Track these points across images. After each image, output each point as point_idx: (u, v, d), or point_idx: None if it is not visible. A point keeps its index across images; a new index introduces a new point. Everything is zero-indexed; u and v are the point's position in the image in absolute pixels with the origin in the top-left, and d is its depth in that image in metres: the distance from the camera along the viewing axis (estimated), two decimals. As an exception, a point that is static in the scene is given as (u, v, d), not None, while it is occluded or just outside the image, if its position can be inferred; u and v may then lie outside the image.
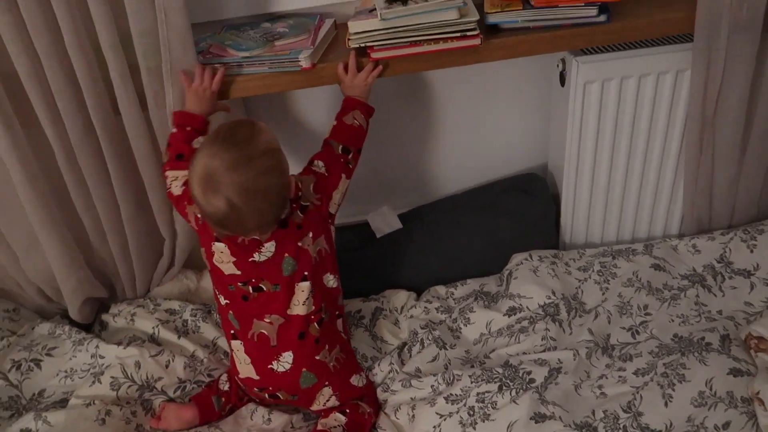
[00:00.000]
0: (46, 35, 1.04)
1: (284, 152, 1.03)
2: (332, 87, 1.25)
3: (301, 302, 1.10)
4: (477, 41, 1.14)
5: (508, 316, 1.29)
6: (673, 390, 1.09)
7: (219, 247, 1.08)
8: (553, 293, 1.29)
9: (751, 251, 1.33)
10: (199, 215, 1.08)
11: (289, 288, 1.09)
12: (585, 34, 1.17)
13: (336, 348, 1.16)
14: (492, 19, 1.18)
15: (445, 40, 1.15)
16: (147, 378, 1.22)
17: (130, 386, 1.20)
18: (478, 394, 1.14)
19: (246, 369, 1.15)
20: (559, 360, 1.18)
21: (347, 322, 1.26)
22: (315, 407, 1.17)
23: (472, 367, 1.21)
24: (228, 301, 1.13)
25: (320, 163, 1.14)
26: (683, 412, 1.06)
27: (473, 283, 1.39)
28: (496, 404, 1.12)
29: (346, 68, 1.16)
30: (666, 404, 1.07)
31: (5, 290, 1.43)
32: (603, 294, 1.31)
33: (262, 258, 1.07)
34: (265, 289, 1.10)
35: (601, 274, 1.34)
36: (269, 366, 1.12)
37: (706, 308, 1.25)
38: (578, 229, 1.47)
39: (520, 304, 1.29)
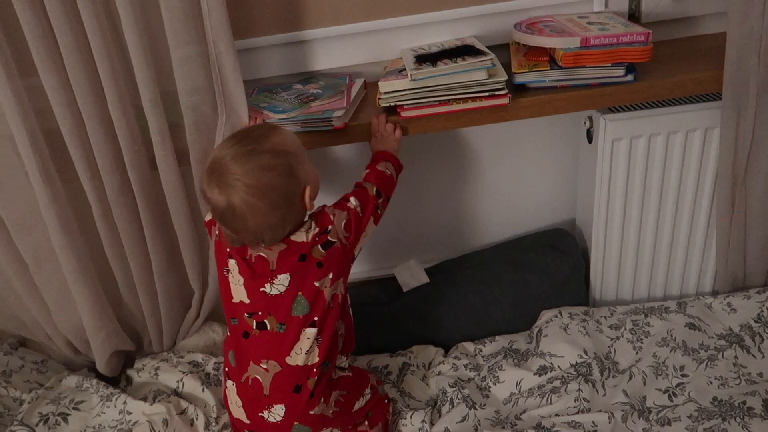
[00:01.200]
0: (89, 94, 1.08)
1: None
2: (361, 145, 1.28)
3: (303, 351, 1.03)
4: (505, 100, 1.16)
5: (539, 375, 1.26)
6: (716, 458, 1.05)
7: (231, 264, 1.05)
8: (585, 352, 1.27)
9: (790, 310, 1.29)
10: (217, 233, 1.08)
11: (295, 332, 1.03)
12: (612, 94, 1.19)
13: (335, 393, 1.09)
14: (519, 78, 1.20)
15: (473, 99, 1.17)
16: (173, 436, 1.21)
17: (157, 443, 1.19)
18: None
19: (237, 411, 1.10)
20: (593, 423, 1.14)
21: (352, 326, 1.17)
22: None
23: (503, 428, 1.17)
24: (230, 336, 1.10)
25: (355, 201, 1.08)
26: (727, 482, 1.01)
27: (502, 340, 1.37)
28: (529, 470, 1.08)
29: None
30: (708, 473, 1.03)
31: (34, 342, 1.44)
32: (637, 353, 1.27)
33: (274, 291, 1.02)
34: (269, 327, 1.04)
35: (633, 332, 1.31)
36: (260, 414, 1.06)
37: (745, 370, 1.21)
38: (608, 286, 1.44)
39: (551, 363, 1.27)
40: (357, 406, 1.13)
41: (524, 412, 1.21)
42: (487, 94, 1.16)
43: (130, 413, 1.24)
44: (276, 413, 1.05)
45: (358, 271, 1.56)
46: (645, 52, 1.14)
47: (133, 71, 1.09)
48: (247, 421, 1.09)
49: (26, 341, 1.45)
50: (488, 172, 1.49)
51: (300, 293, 1.02)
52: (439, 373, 1.31)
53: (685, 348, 1.26)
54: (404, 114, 1.18)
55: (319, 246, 1.02)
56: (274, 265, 1.01)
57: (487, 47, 1.19)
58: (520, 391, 1.25)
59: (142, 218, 1.21)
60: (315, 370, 1.05)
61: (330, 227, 1.03)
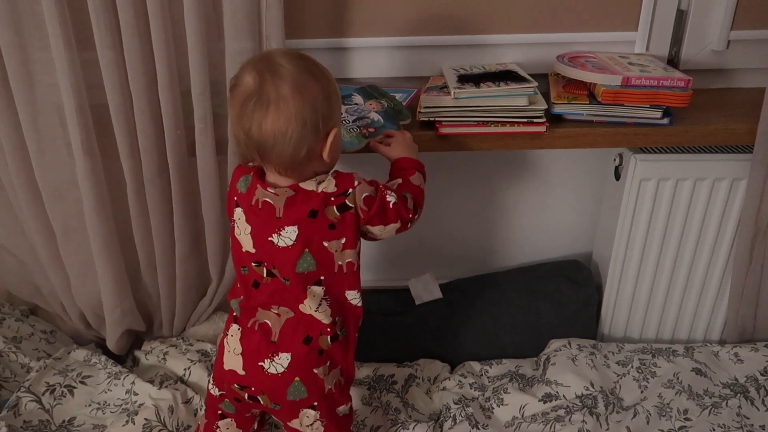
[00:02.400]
0: (141, 75, 1.10)
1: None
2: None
3: (313, 307, 0.98)
4: (542, 129, 1.18)
5: (544, 402, 1.27)
6: (714, 503, 1.05)
7: (237, 213, 1.00)
8: (592, 385, 1.28)
9: (796, 367, 1.31)
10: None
11: (300, 288, 0.97)
12: (647, 134, 1.21)
13: (337, 369, 1.03)
14: (557, 109, 1.22)
15: (511, 123, 1.19)
16: (178, 425, 1.21)
17: (161, 430, 1.19)
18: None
19: (233, 360, 1.01)
20: (592, 455, 1.16)
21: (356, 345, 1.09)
22: (294, 424, 1.03)
23: (503, 451, 1.19)
24: (239, 285, 1.04)
25: (393, 196, 0.99)
26: None
27: (509, 364, 1.38)
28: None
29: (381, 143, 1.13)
30: None
31: (44, 312, 1.45)
32: (642, 392, 1.28)
33: (281, 243, 0.95)
34: (277, 275, 0.99)
35: (640, 371, 1.32)
36: (260, 363, 0.99)
37: (748, 421, 1.22)
38: (618, 322, 1.46)
39: (557, 392, 1.28)
40: (341, 410, 1.06)
41: (527, 437, 1.22)
42: (525, 120, 1.18)
43: (137, 394, 1.25)
44: (279, 363, 0.98)
45: (371, 278, 1.58)
46: (684, 98, 1.16)
47: (184, 57, 1.11)
48: (242, 372, 1.00)
49: (37, 310, 1.46)
50: (511, 196, 1.51)
51: (307, 250, 0.96)
52: (444, 389, 1.32)
53: (690, 392, 1.27)
54: (442, 130, 1.20)
55: (334, 207, 0.94)
56: (280, 212, 0.95)
57: (527, 75, 1.22)
58: (523, 416, 1.26)
59: (173, 201, 1.22)
60: (329, 329, 0.99)
61: (350, 190, 0.95)
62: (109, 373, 1.29)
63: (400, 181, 1.05)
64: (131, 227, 1.25)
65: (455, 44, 1.33)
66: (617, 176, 1.36)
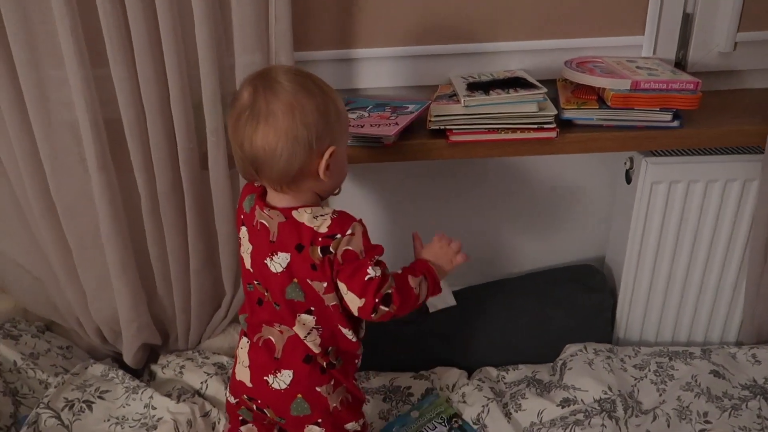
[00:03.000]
0: (154, 89, 1.11)
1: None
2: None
3: (302, 335, 0.97)
4: (553, 134, 1.19)
5: (562, 407, 1.26)
6: (738, 506, 1.04)
7: (243, 232, 1.01)
8: (610, 389, 1.27)
9: (815, 367, 1.30)
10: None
11: (290, 314, 0.96)
12: (657, 138, 1.21)
13: (342, 387, 1.02)
14: (567, 114, 1.23)
15: (522, 130, 1.20)
16: (199, 437, 1.21)
17: (180, 444, 1.20)
18: (529, 486, 1.11)
19: (242, 372, 1.03)
20: (612, 459, 1.15)
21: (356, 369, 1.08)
22: None
23: (522, 453, 1.19)
24: (246, 302, 1.06)
25: (376, 271, 0.91)
26: None
27: (525, 369, 1.38)
28: (549, 499, 1.08)
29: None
30: None
31: (60, 327, 1.46)
32: (660, 395, 1.28)
33: (272, 268, 0.95)
34: (268, 300, 1.00)
35: (658, 374, 1.32)
36: (265, 378, 1.00)
37: (769, 422, 1.22)
38: (633, 326, 1.45)
39: (575, 396, 1.27)
40: (350, 427, 1.05)
41: (545, 442, 1.21)
42: (536, 126, 1.18)
43: (155, 408, 1.25)
44: (282, 380, 0.98)
45: (385, 288, 1.58)
46: (694, 100, 1.17)
47: (197, 72, 1.12)
48: (249, 385, 1.02)
49: (53, 326, 1.47)
50: (523, 201, 1.51)
51: (296, 280, 0.95)
52: (463, 395, 1.31)
53: (709, 395, 1.26)
54: (453, 138, 1.21)
55: (318, 248, 0.91)
56: (274, 236, 0.94)
57: (535, 81, 1.22)
58: (541, 422, 1.25)
59: (187, 215, 1.23)
60: (320, 357, 0.98)
61: (338, 236, 0.91)
62: (126, 387, 1.29)
63: (400, 272, 0.99)
64: (146, 241, 1.26)
65: (462, 53, 1.34)
66: (628, 180, 1.36)
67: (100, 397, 1.27)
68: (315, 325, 0.97)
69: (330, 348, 1.00)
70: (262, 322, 1.01)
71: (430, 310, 1.47)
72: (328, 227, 0.91)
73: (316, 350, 0.98)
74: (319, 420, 1.01)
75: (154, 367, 1.40)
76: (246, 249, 1.00)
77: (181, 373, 1.36)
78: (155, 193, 1.21)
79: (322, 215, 0.93)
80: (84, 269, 1.27)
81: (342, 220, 0.93)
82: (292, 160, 0.89)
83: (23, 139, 1.14)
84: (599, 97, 1.24)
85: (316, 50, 1.33)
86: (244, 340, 1.05)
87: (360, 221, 0.94)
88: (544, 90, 1.18)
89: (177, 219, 1.23)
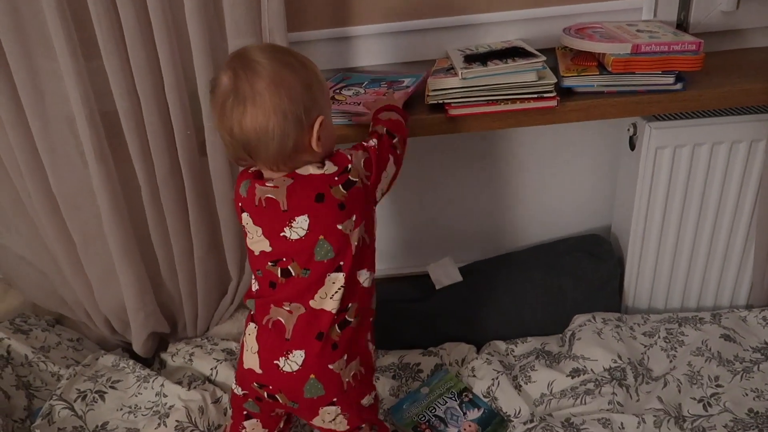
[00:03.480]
0: (148, 78, 1.10)
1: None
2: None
3: (329, 296, 0.96)
4: (553, 103, 1.17)
5: (572, 378, 1.26)
6: (753, 468, 1.05)
7: (245, 218, 0.99)
8: (619, 357, 1.27)
9: (827, 327, 1.29)
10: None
11: (319, 276, 0.96)
12: (660, 101, 1.19)
13: (356, 360, 1.00)
14: (567, 82, 1.21)
15: (522, 100, 1.17)
16: (209, 425, 1.22)
17: (192, 431, 1.20)
18: (540, 454, 1.11)
19: (251, 359, 1.00)
20: (622, 424, 1.15)
21: (374, 330, 1.08)
22: (316, 422, 1.03)
23: (532, 422, 1.19)
24: (257, 288, 1.03)
25: (372, 141, 1.01)
26: (764, 492, 1.01)
27: (534, 342, 1.38)
28: (560, 467, 1.09)
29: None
30: (745, 483, 1.03)
31: (69, 320, 1.46)
32: (671, 362, 1.28)
33: (294, 236, 0.94)
34: (293, 273, 0.96)
35: (667, 341, 1.31)
36: (275, 362, 0.98)
37: (781, 384, 1.21)
38: (642, 294, 1.45)
39: (585, 366, 1.27)
40: (365, 401, 1.04)
41: (556, 411, 1.21)
42: (536, 95, 1.16)
43: (166, 396, 1.26)
44: (294, 361, 0.97)
45: (390, 267, 1.58)
46: (696, 61, 1.14)
47: (190, 57, 1.11)
48: (259, 371, 0.99)
49: (62, 319, 1.48)
50: (526, 173, 1.50)
51: (322, 237, 0.94)
52: (473, 369, 1.31)
53: (720, 359, 1.26)
54: (452, 112, 1.19)
55: (339, 186, 0.93)
56: (284, 205, 0.94)
57: (534, 50, 1.20)
58: (551, 392, 1.25)
59: (188, 202, 1.23)
60: (336, 317, 0.97)
61: (349, 166, 0.95)
62: (137, 376, 1.30)
63: (372, 122, 1.07)
64: (149, 230, 1.26)
65: (458, 25, 1.32)
66: (632, 146, 1.35)
67: (112, 387, 1.28)
68: (343, 283, 0.96)
69: (350, 304, 0.99)
70: (271, 302, 0.99)
71: (437, 287, 1.47)
72: (335, 167, 0.94)
73: (335, 308, 0.97)
74: (334, 399, 0.99)
75: (164, 356, 1.41)
76: (255, 233, 0.98)
77: (190, 360, 1.37)
78: (155, 182, 1.20)
79: (320, 163, 0.95)
80: (89, 261, 1.27)
81: (340, 156, 0.97)
82: (285, 137, 0.89)
83: (20, 134, 1.13)
84: (599, 63, 1.22)
85: (311, 30, 1.31)
86: (252, 325, 1.02)
87: (339, 149, 0.99)
88: (543, 58, 1.15)
89: (178, 206, 1.23)
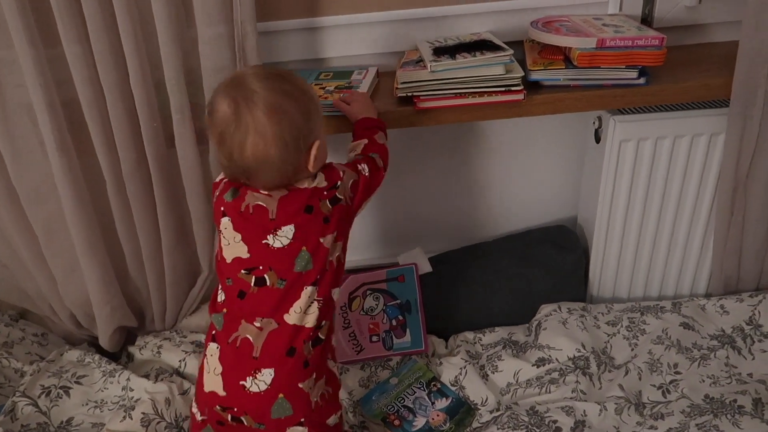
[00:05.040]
0: (111, 67, 1.08)
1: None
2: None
3: (302, 310, 0.96)
4: (520, 96, 1.18)
5: (537, 367, 1.29)
6: (707, 452, 1.08)
7: (224, 223, 0.98)
8: (583, 346, 1.30)
9: (780, 314, 1.34)
10: (217, 193, 1.03)
11: (294, 288, 0.96)
12: (624, 95, 1.21)
13: (323, 380, 1.00)
14: (534, 75, 1.22)
15: (489, 93, 1.19)
16: (176, 416, 1.21)
17: (159, 422, 1.19)
18: (505, 440, 1.13)
19: (213, 381, 0.98)
20: (584, 412, 1.18)
21: (333, 349, 1.07)
22: None
23: (498, 410, 1.22)
24: (224, 298, 1.00)
25: (365, 167, 1.06)
26: (718, 475, 1.05)
27: (501, 331, 1.40)
28: (524, 452, 1.11)
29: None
30: (700, 466, 1.07)
31: (34, 315, 1.44)
32: (632, 350, 1.31)
33: (277, 244, 0.96)
34: (268, 282, 0.96)
35: (630, 329, 1.35)
36: (241, 382, 0.95)
37: (736, 370, 1.25)
38: (606, 284, 1.48)
39: (550, 356, 1.30)
40: (330, 421, 1.03)
41: (522, 400, 1.24)
42: (503, 89, 1.18)
43: (133, 390, 1.25)
44: (262, 380, 0.95)
45: (361, 258, 1.58)
46: (659, 56, 1.17)
47: (156, 47, 1.09)
48: (223, 393, 0.97)
49: (26, 314, 1.45)
50: (494, 165, 1.51)
51: (304, 248, 0.96)
52: (440, 359, 1.33)
53: (679, 346, 1.30)
54: (421, 105, 1.20)
55: (327, 201, 0.98)
56: (273, 213, 0.96)
57: (502, 43, 1.21)
58: (517, 381, 1.28)
59: (155, 195, 1.21)
60: (311, 333, 0.97)
61: (339, 183, 1.00)
62: (103, 371, 1.29)
63: (366, 141, 1.11)
64: (114, 223, 1.24)
65: (429, 16, 1.32)
66: (597, 139, 1.37)
67: (77, 383, 1.26)
68: (317, 296, 0.98)
69: (324, 322, 0.99)
70: (242, 316, 0.97)
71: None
72: (326, 181, 0.99)
73: (312, 324, 0.97)
74: (302, 419, 0.97)
75: (132, 349, 1.39)
76: (233, 238, 0.98)
77: (159, 353, 1.36)
78: (120, 174, 1.18)
79: (312, 177, 0.99)
80: (52, 254, 1.25)
81: (331, 170, 1.01)
82: (285, 163, 0.93)
83: (-22, 124, 1.10)
84: (566, 57, 1.24)
85: (282, 19, 1.29)
86: (213, 346, 0.99)
87: (331, 162, 1.03)
88: (511, 52, 1.16)
89: (144, 199, 1.21)
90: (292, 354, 0.96)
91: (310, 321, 0.97)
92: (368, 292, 1.45)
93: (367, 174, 1.06)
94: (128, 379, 1.26)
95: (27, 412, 1.18)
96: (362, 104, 1.16)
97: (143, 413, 1.19)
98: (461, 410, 1.23)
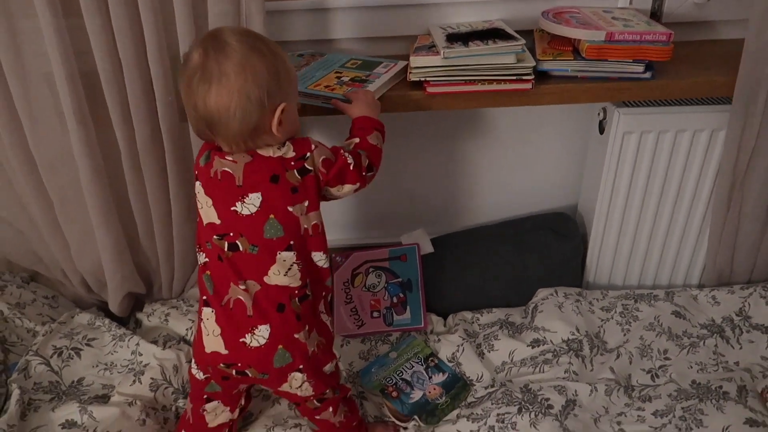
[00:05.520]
0: (130, 41, 1.10)
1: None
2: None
3: (282, 272, 1.00)
4: (529, 85, 1.21)
5: (532, 348, 1.33)
6: (691, 434, 1.13)
7: (197, 187, 1.03)
8: (577, 330, 1.34)
9: (770, 307, 1.38)
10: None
11: (269, 254, 0.99)
12: (630, 89, 1.24)
13: (315, 331, 1.06)
14: (543, 66, 1.25)
15: (498, 81, 1.21)
16: (183, 383, 1.26)
17: (167, 388, 1.24)
18: (498, 414, 1.18)
19: (213, 342, 1.02)
20: (575, 392, 1.23)
21: (331, 305, 1.12)
22: (284, 389, 1.07)
23: (492, 386, 1.27)
24: (207, 260, 1.04)
25: (350, 158, 1.03)
26: (699, 456, 1.10)
27: (498, 313, 1.45)
28: (515, 425, 1.16)
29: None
30: (683, 447, 1.12)
31: (44, 278, 1.48)
32: (624, 335, 1.36)
33: (245, 211, 0.98)
34: (241, 248, 0.99)
35: (623, 315, 1.39)
36: (241, 340, 1.00)
37: (723, 358, 1.30)
38: (602, 271, 1.52)
39: (545, 337, 1.34)
40: (327, 368, 1.09)
41: (516, 378, 1.29)
42: (514, 77, 1.20)
43: (141, 354, 1.29)
44: (260, 335, 1.00)
45: (365, 236, 1.62)
46: (666, 52, 1.19)
47: (172, 22, 1.11)
48: (225, 352, 1.02)
49: (37, 276, 1.49)
50: (498, 152, 1.54)
51: (272, 216, 0.98)
52: (438, 336, 1.38)
53: (669, 334, 1.34)
54: (430, 90, 1.22)
55: (294, 171, 0.98)
56: (240, 180, 0.98)
57: (512, 32, 1.23)
58: (512, 361, 1.32)
59: (168, 167, 1.24)
60: (297, 291, 1.01)
61: (308, 154, 0.99)
62: (113, 335, 1.33)
63: (357, 140, 1.09)
64: (127, 193, 1.27)
65: (440, 2, 1.34)
66: (601, 130, 1.40)
67: (87, 345, 1.31)
68: (295, 260, 1.00)
69: (308, 280, 1.03)
70: (228, 281, 1.01)
71: (409, 258, 1.52)
72: (294, 151, 0.99)
73: (296, 284, 1.01)
74: (301, 366, 1.03)
75: (140, 316, 1.44)
76: (205, 203, 1.01)
77: (166, 321, 1.41)
78: (135, 146, 1.21)
79: (281, 146, 0.99)
80: (67, 222, 1.28)
81: (301, 141, 1.01)
82: (246, 118, 0.93)
83: (-1, 93, 1.13)
84: (575, 48, 1.26)
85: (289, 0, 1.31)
86: (207, 310, 1.03)
87: (308, 137, 1.03)
88: (523, 41, 1.19)
89: (157, 171, 1.24)
90: (282, 310, 1.01)
91: (293, 282, 1.01)
92: (371, 269, 1.50)
93: (348, 162, 1.03)
94: (138, 344, 1.30)
95: (40, 370, 1.23)
96: (363, 103, 1.14)
97: (152, 378, 1.24)
98: (457, 385, 1.28)
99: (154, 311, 1.43)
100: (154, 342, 1.33)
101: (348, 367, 1.33)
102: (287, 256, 1.00)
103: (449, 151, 1.54)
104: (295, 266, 1.01)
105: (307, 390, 1.06)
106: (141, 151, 1.21)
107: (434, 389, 1.27)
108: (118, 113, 1.16)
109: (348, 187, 1.05)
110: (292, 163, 0.98)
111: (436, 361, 1.32)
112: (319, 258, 1.04)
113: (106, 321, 1.36)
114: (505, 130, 1.51)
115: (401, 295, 1.44)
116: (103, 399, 1.22)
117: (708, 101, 1.33)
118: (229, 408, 1.14)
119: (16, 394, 1.15)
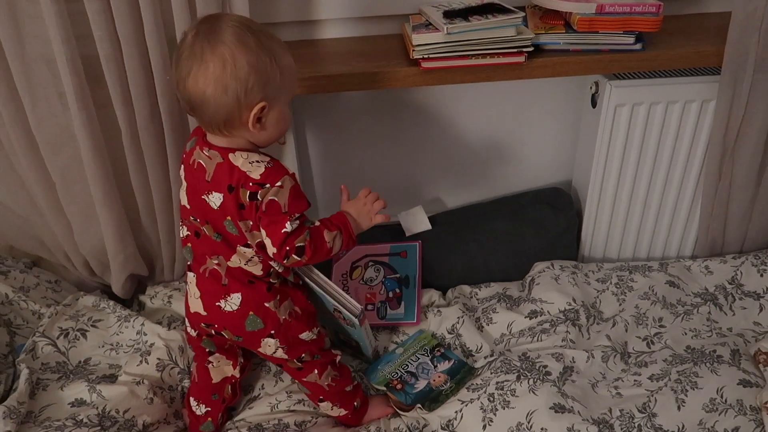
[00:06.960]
0: (129, 22, 1.11)
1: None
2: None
3: (243, 262, 1.05)
4: (521, 59, 1.23)
5: (530, 319, 1.36)
6: (686, 395, 1.16)
7: (182, 169, 1.07)
8: (574, 300, 1.37)
9: (761, 275, 1.41)
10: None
11: (230, 245, 1.04)
12: (621, 60, 1.26)
13: (288, 301, 1.10)
14: (536, 39, 1.27)
15: (492, 55, 1.23)
16: (188, 363, 1.28)
17: (173, 368, 1.26)
18: (497, 382, 1.21)
19: (195, 303, 1.10)
20: (573, 359, 1.25)
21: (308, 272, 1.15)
22: (263, 351, 1.12)
23: (492, 355, 1.29)
24: (188, 233, 1.09)
25: (292, 227, 0.98)
26: (695, 416, 1.13)
27: (497, 287, 1.47)
28: (515, 392, 1.18)
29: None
30: (679, 408, 1.14)
31: (47, 263, 1.49)
32: (620, 305, 1.38)
33: (211, 204, 1.01)
34: (207, 233, 1.04)
35: (618, 286, 1.42)
36: (217, 304, 1.07)
37: (717, 325, 1.33)
38: (597, 244, 1.55)
39: (542, 308, 1.37)
40: (304, 336, 1.13)
41: (515, 348, 1.31)
42: (515, 50, 1.22)
43: (147, 335, 1.31)
44: (233, 302, 1.06)
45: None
46: (655, 23, 1.21)
47: (170, 4, 1.12)
48: (204, 313, 1.09)
49: (39, 262, 1.50)
50: (493, 128, 1.56)
51: (229, 218, 1.01)
52: (438, 309, 1.40)
53: (664, 302, 1.37)
54: (425, 65, 1.24)
55: (247, 192, 0.97)
56: (209, 176, 1.00)
57: (506, 7, 1.25)
58: (511, 332, 1.35)
59: (167, 147, 1.25)
60: (263, 276, 1.07)
61: (267, 185, 0.96)
62: (118, 316, 1.35)
63: (318, 224, 1.05)
64: (128, 174, 1.29)
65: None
66: (594, 104, 1.42)
67: (93, 326, 1.32)
68: (255, 254, 1.05)
69: (272, 270, 1.08)
70: (204, 253, 1.07)
71: (407, 234, 1.54)
72: (260, 175, 0.96)
73: (259, 273, 1.07)
74: (272, 332, 1.09)
75: (143, 298, 1.46)
76: (182, 185, 1.07)
77: (169, 302, 1.42)
78: (135, 127, 1.22)
79: (257, 162, 0.97)
80: (69, 203, 1.30)
81: (275, 171, 0.97)
82: (218, 108, 0.93)
83: (0, 75, 1.14)
84: (566, 22, 1.28)
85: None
86: (191, 275, 1.11)
87: (292, 175, 0.99)
88: (522, 14, 1.21)
89: (157, 151, 1.26)
90: (252, 282, 1.07)
91: (256, 270, 1.06)
92: (370, 263, 1.51)
93: (287, 228, 0.97)
94: (143, 325, 1.32)
95: (47, 351, 1.25)
96: (357, 206, 1.12)
97: (158, 359, 1.26)
98: (462, 370, 1.28)
99: (156, 293, 1.45)
100: (159, 323, 1.34)
101: (352, 365, 1.32)
102: (247, 251, 1.04)
103: (444, 129, 1.55)
104: (256, 258, 1.05)
105: (281, 354, 1.12)
106: (141, 131, 1.23)
107: (439, 377, 1.27)
108: (118, 93, 1.18)
109: (268, 242, 0.99)
110: (251, 184, 0.96)
111: (443, 350, 1.33)
112: (277, 265, 1.08)
113: (111, 303, 1.37)
114: (499, 107, 1.53)
115: (397, 290, 1.44)
116: (111, 378, 1.23)
117: (698, 71, 1.35)
118: (231, 362, 1.20)
119: (25, 373, 1.17)
